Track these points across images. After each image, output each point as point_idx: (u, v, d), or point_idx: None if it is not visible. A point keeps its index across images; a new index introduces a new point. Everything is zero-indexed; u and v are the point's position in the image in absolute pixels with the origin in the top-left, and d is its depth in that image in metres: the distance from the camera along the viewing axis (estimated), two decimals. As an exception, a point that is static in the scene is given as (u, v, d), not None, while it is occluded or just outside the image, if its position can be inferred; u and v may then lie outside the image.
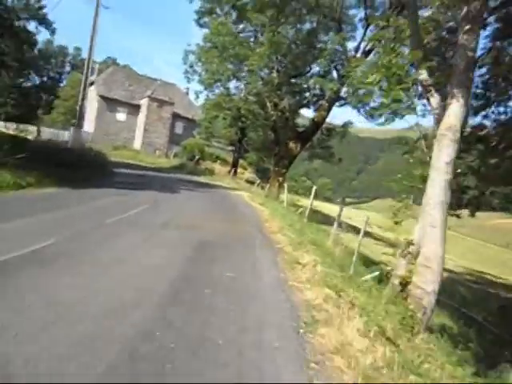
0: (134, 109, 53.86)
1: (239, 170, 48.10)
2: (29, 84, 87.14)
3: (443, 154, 7.83)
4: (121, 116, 53.64)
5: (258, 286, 6.51)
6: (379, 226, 26.52)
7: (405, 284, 7.97)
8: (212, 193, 23.29)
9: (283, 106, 30.75)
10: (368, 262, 13.60)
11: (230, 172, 39.57)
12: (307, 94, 32.68)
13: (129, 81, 55.54)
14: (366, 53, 31.14)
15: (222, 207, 16.87)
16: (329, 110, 32.36)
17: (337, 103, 32.51)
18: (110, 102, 52.78)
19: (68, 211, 10.41)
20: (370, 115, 35.15)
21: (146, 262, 6.84)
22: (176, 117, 54.88)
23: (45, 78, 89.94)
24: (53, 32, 21.25)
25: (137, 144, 53.48)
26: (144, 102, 53.20)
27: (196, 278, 6.42)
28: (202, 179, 34.94)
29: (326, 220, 22.25)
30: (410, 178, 9.64)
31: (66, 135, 32.19)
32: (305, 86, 32.06)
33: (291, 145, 31.69)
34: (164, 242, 8.53)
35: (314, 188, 16.83)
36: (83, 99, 28.37)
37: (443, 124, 7.92)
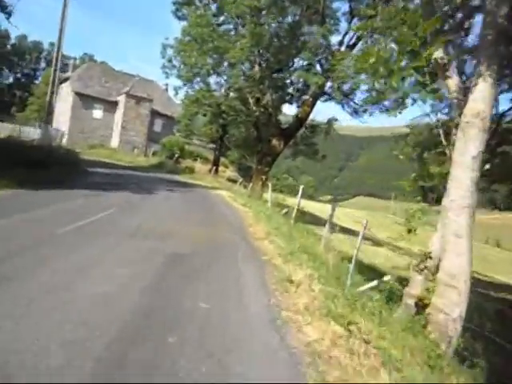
0: (111, 106, 51.54)
1: (221, 168, 46.38)
2: (0, 81, 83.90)
3: (470, 147, 6.30)
4: (97, 113, 51.28)
5: (242, 323, 4.86)
6: (368, 229, 25.05)
7: (422, 306, 6.45)
8: (191, 192, 21.56)
9: (266, 101, 29.15)
10: (364, 269, 12.11)
11: (210, 170, 37.80)
12: (290, 90, 31.13)
13: (105, 77, 53.17)
14: (351, 46, 29.76)
15: (202, 209, 15.17)
16: (313, 105, 30.89)
17: (321, 99, 31.07)
18: (85, 99, 50.38)
19: (14, 218, 8.60)
20: (355, 111, 33.95)
21: (94, 289, 5.15)
22: (155, 114, 52.74)
23: (19, 75, 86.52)
24: (9, 15, 19.03)
25: (114, 142, 51.21)
26: (121, 99, 50.93)
27: (159, 314, 4.74)
28: (181, 178, 33.11)
29: (314, 220, 20.82)
30: (427, 177, 8.04)
31: (33, 133, 30.03)
32: (288, 80, 30.50)
33: (274, 142, 30.11)
34: (126, 258, 6.82)
35: (301, 187, 15.27)
36: (52, 93, 26.25)
37: (468, 110, 6.38)
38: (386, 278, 8.81)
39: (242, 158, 41.18)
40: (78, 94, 50.08)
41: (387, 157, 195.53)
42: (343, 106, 33.66)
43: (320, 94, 30.42)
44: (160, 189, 20.54)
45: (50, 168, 18.50)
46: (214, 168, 36.63)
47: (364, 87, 34.35)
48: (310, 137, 34.27)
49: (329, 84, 31.15)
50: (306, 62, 28.46)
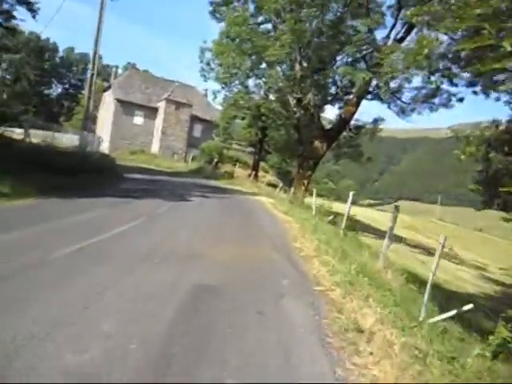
0: (152, 112, 51.00)
1: (260, 173, 44.65)
2: (50, 92, 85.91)
3: None
4: (138, 120, 50.86)
5: None
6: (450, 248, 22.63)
7: None
8: (228, 199, 19.81)
9: (307, 101, 27.04)
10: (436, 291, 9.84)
11: (250, 175, 36.06)
12: (333, 89, 28.92)
13: (146, 83, 52.77)
14: (398, 41, 27.20)
15: (238, 219, 13.30)
16: (357, 105, 28.51)
17: (366, 98, 28.68)
18: (126, 106, 50.06)
19: (16, 234, 7.03)
20: (402, 110, 31.35)
21: (70, 360, 3.31)
22: (194, 119, 51.76)
23: (67, 86, 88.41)
24: (34, 13, 18.01)
25: (155, 148, 50.59)
26: (161, 105, 50.27)
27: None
28: (219, 183, 31.54)
29: (363, 228, 18.55)
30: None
31: (70, 139, 29.40)
32: (330, 79, 28.29)
33: (317, 144, 27.95)
34: (130, 296, 4.91)
35: (351, 193, 13.13)
36: (89, 98, 25.43)
37: None
38: (467, 308, 6.61)
39: (282, 162, 39.20)
40: (120, 101, 49.81)
41: (430, 160, 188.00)
42: (389, 106, 31.13)
43: (365, 92, 28.07)
44: (195, 195, 18.94)
45: (83, 175, 17.28)
46: (254, 173, 34.87)
47: (412, 84, 31.76)
48: (354, 138, 31.91)
49: (374, 83, 28.87)
50: (350, 59, 26.23)
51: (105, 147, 52.06)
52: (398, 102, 31.44)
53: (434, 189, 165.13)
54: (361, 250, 10.57)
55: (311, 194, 30.06)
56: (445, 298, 9.77)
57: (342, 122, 28.63)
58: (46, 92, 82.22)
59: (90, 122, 25.04)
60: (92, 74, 24.99)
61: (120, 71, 54.81)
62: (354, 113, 28.62)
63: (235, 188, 29.28)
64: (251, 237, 9.78)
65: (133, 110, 50.39)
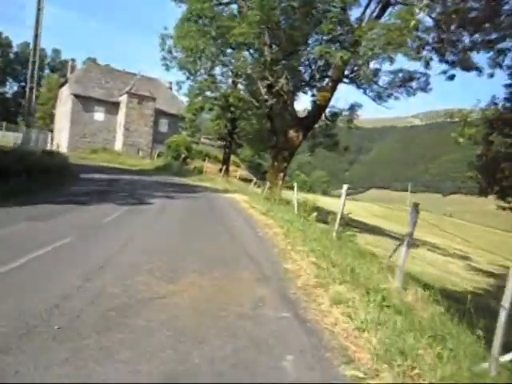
0: (113, 107, 47.29)
1: (232, 167, 41.81)
2: (5, 90, 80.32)
3: None
4: (98, 116, 47.06)
5: None
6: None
7: None
8: (197, 199, 16.95)
9: (279, 87, 24.37)
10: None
11: (220, 170, 33.19)
12: (307, 73, 26.37)
13: (105, 77, 48.94)
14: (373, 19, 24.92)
15: (208, 227, 10.28)
16: (333, 90, 26.10)
17: (344, 81, 26.31)
18: (85, 101, 46.17)
19: None
20: (378, 96, 29.22)
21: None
22: (159, 113, 48.37)
23: (23, 83, 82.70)
24: None
25: (118, 145, 46.96)
26: (123, 99, 46.65)
27: None
28: (188, 181, 28.59)
29: (355, 225, 16.21)
30: None
31: (12, 138, 25.72)
32: (304, 62, 25.73)
33: (292, 134, 25.40)
34: None
35: (345, 186, 10.59)
36: (32, 89, 22.11)
37: None
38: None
39: (255, 154, 36.46)
40: (78, 97, 45.89)
41: (398, 148, 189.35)
42: (365, 91, 28.94)
43: (341, 76, 25.69)
44: (158, 196, 16.03)
45: (18, 177, 14.14)
46: (225, 167, 31.99)
47: (389, 67, 29.40)
48: (330, 127, 29.54)
49: (349, 67, 26.56)
50: (323, 40, 23.65)
51: (63, 146, 48.11)
52: (375, 86, 29.31)
53: (403, 177, 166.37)
54: (366, 262, 8.05)
55: (287, 188, 27.63)
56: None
57: (318, 109, 26.18)
58: (0, 90, 76.52)
59: (32, 117, 21.62)
60: (33, 62, 21.60)
61: (74, 63, 50.53)
62: (329, 99, 26.20)
63: (205, 185, 26.40)
64: (226, 258, 6.89)
65: (92, 106, 46.54)
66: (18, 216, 9.27)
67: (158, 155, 41.61)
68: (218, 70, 33.03)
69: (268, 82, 25.21)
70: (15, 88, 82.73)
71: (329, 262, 6.80)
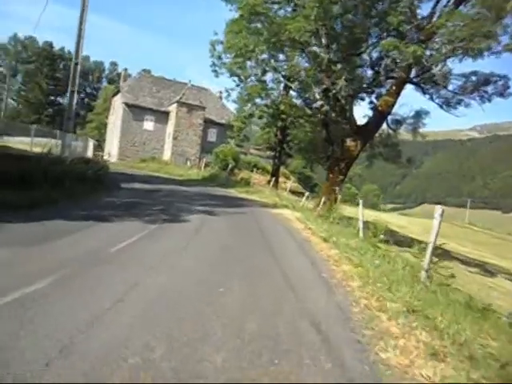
0: (163, 116, 46.16)
1: (281, 179, 39.12)
2: (65, 101, 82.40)
3: None
4: (148, 125, 46.04)
5: None
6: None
7: None
8: (241, 216, 14.26)
9: (337, 91, 21.48)
10: None
11: (269, 182, 30.53)
12: (369, 74, 23.28)
13: (156, 86, 48.03)
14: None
15: (253, 263, 7.25)
16: (397, 94, 22.85)
17: (412, 81, 23.03)
18: (136, 110, 45.32)
19: None
20: (447, 102, 25.64)
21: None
22: (208, 123, 46.70)
23: (83, 95, 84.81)
24: None
25: (166, 155, 45.65)
26: (172, 108, 45.38)
27: None
28: (234, 192, 26.15)
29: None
30: None
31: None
32: (365, 62, 22.70)
33: (349, 143, 22.37)
34: None
35: (440, 210, 7.57)
36: (73, 92, 20.66)
37: None
38: None
39: (306, 166, 33.47)
40: (128, 105, 45.12)
41: (453, 162, 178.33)
42: (431, 97, 25.47)
43: (407, 78, 22.44)
44: (197, 211, 13.58)
45: (42, 185, 12.28)
46: (274, 179, 29.30)
47: (461, 69, 25.60)
48: (391, 136, 26.17)
49: (415, 68, 23.32)
50: (391, 34, 20.54)
51: (113, 155, 47.54)
52: (443, 91, 25.74)
53: (458, 192, 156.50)
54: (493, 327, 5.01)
55: (343, 202, 24.48)
56: None
57: (379, 116, 22.98)
58: (61, 101, 78.53)
59: (71, 122, 20.04)
60: (75, 64, 20.08)
61: (127, 72, 50.08)
62: (392, 105, 22.95)
63: (252, 198, 23.78)
64: (279, 332, 4.20)
65: (142, 115, 45.64)
66: (6, 236, 7.03)
67: (206, 165, 39.67)
68: (268, 77, 30.74)
69: (324, 86, 22.42)
70: (75, 100, 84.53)
71: (448, 339, 3.84)
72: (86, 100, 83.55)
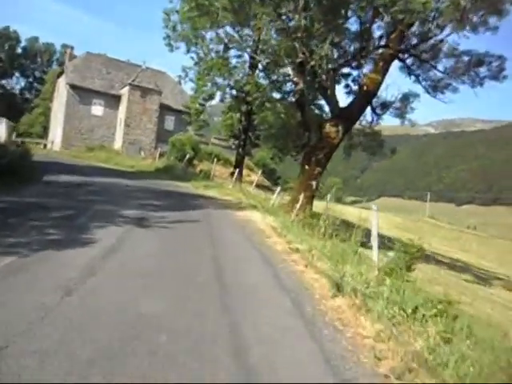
0: (114, 100, 40.25)
1: (244, 171, 34.35)
2: (12, 84, 74.17)
3: None
4: (97, 109, 39.99)
5: None
6: None
7: None
8: (190, 227, 9.13)
9: (316, 63, 16.95)
10: None
11: (232, 175, 25.75)
12: (351, 48, 18.93)
13: (107, 68, 41.91)
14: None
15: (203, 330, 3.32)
16: (384, 71, 18.70)
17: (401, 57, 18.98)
18: (82, 93, 39.16)
19: None
20: (434, 86, 22.05)
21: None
22: (165, 109, 41.21)
23: (31, 79, 76.52)
24: None
25: (118, 143, 39.85)
26: (124, 92, 39.56)
27: None
28: (190, 187, 21.23)
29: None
30: None
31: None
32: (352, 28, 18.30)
33: (329, 128, 17.98)
34: None
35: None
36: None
37: None
38: None
39: (274, 157, 28.79)
40: (74, 87, 38.92)
41: (410, 157, 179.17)
42: (418, 78, 21.80)
43: (397, 51, 18.34)
44: (123, 218, 8.71)
45: None
46: (237, 171, 24.40)
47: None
48: (373, 123, 22.06)
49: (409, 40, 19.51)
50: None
51: (57, 143, 41.22)
52: (431, 73, 22.04)
53: (414, 185, 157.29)
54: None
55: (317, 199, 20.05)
56: None
57: (364, 97, 18.74)
58: (5, 84, 70.17)
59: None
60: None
61: (72, 51, 43.56)
62: (379, 83, 18.77)
63: (211, 194, 18.86)
64: None
65: (90, 98, 39.53)
66: None
67: (161, 155, 34.35)
68: (231, 54, 26.02)
69: (299, 60, 17.88)
70: (22, 83, 76.37)
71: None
72: (35, 85, 75.28)
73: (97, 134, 39.92)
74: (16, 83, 75.43)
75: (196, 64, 26.50)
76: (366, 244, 8.61)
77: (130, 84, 38.56)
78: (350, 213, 19.83)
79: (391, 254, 7.77)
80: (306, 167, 18.14)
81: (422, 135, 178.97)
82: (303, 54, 17.64)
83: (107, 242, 6.31)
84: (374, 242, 7.43)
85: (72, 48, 43.37)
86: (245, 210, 13.73)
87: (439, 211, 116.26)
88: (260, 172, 23.02)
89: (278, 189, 18.23)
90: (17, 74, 75.08)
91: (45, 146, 43.78)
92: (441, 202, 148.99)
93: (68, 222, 7.81)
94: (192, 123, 25.34)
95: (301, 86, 18.29)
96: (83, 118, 39.31)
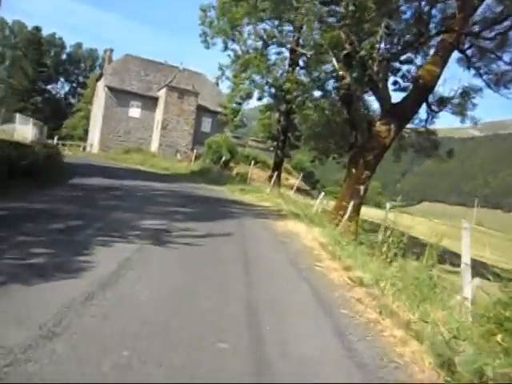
0: (151, 102, 39.48)
1: (282, 175, 32.32)
2: (56, 89, 75.75)
3: None
4: (134, 111, 39.36)
5: None
6: None
7: None
8: (221, 243, 7.28)
9: (365, 53, 14.87)
10: None
11: (270, 178, 23.86)
12: (407, 36, 16.62)
13: (145, 70, 41.26)
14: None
15: None
16: (444, 63, 16.24)
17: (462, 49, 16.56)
18: (120, 95, 38.65)
19: None
20: (496, 80, 19.56)
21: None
22: (202, 111, 40.04)
23: (75, 84, 78.05)
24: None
25: (154, 146, 39.02)
26: (162, 94, 38.69)
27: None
28: (224, 191, 19.58)
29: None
30: None
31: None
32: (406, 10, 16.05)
33: (380, 127, 15.77)
34: None
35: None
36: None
37: None
38: None
39: (315, 159, 26.69)
40: (112, 90, 38.46)
41: (454, 160, 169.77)
42: (478, 71, 19.31)
43: (462, 38, 15.93)
44: (141, 230, 7.09)
45: None
46: (276, 174, 22.37)
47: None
48: (430, 121, 19.57)
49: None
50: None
51: (95, 146, 40.94)
52: (494, 65, 19.46)
53: (459, 190, 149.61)
54: None
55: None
56: None
57: (420, 91, 16.35)
58: (50, 89, 71.70)
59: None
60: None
61: (111, 54, 43.25)
62: (438, 76, 16.32)
63: (248, 200, 17.04)
64: None
65: (128, 100, 38.96)
66: None
67: (197, 157, 33.04)
68: (271, 51, 24.38)
69: (346, 51, 15.86)
70: (67, 88, 78.01)
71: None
72: (78, 89, 76.67)
73: (134, 136, 39.26)
74: (61, 88, 77.07)
75: (233, 62, 24.92)
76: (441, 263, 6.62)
77: (167, 85, 37.62)
78: (403, 222, 17.42)
79: (482, 282, 5.69)
80: (353, 170, 16.00)
81: (467, 138, 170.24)
82: (350, 44, 15.67)
83: (104, 270, 4.60)
84: (467, 272, 5.37)
85: (111, 51, 43.09)
86: (286, 218, 11.80)
87: (486, 218, 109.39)
88: (301, 175, 20.92)
89: (322, 194, 16.16)
90: (62, 80, 76.70)
91: (84, 148, 43.71)
92: (487, 207, 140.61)
93: (68, 236, 6.22)
94: (228, 123, 23.63)
95: (347, 80, 16.22)
96: (121, 120, 38.76)
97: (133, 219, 8.22)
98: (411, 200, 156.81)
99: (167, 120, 37.94)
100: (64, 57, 76.53)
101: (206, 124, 40.50)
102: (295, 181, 37.02)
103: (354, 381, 2.94)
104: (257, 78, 23.43)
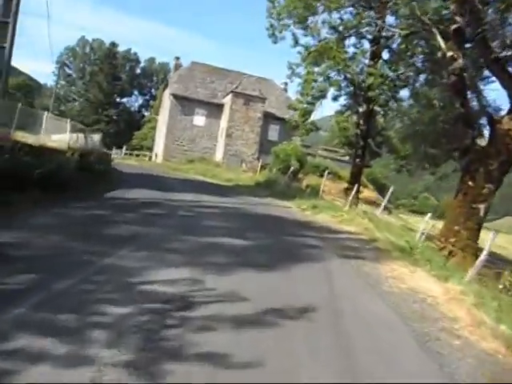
0: (216, 109, 36.99)
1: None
2: (131, 102, 77.25)
3: None
4: (199, 119, 37.13)
5: None
6: None
7: None
8: (295, 334, 3.68)
9: (479, 30, 10.45)
10: None
11: (347, 191, 19.61)
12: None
13: (210, 76, 39.04)
14: None
15: None
16: None
17: None
18: (185, 103, 36.64)
19: None
20: None
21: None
22: (269, 118, 36.77)
23: (147, 97, 79.19)
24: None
25: (219, 155, 36.42)
26: (227, 100, 36.08)
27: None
28: (292, 209, 15.80)
29: None
30: None
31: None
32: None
33: (508, 124, 11.20)
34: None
35: None
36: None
37: None
38: None
39: (401, 169, 21.95)
40: (177, 98, 36.59)
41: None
42: None
43: None
44: (142, 308, 3.63)
45: None
46: (355, 187, 18.10)
47: None
48: None
49: None
50: None
51: (159, 156, 39.32)
52: None
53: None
54: None
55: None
56: None
57: None
58: (125, 102, 73.17)
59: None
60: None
61: (178, 62, 41.65)
62: None
63: (322, 221, 13.07)
64: None
65: (193, 108, 36.83)
66: None
67: (263, 167, 29.71)
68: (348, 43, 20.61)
69: (456, 25, 11.61)
70: (140, 101, 79.43)
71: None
72: (151, 102, 77.59)
73: (198, 146, 37.00)
74: (135, 101, 78.56)
75: (304, 60, 21.28)
76: None
77: (232, 91, 34.94)
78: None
79: None
80: (470, 183, 11.51)
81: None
82: (461, 15, 11.41)
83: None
84: None
85: (178, 58, 41.48)
86: (389, 256, 7.76)
87: None
88: (391, 190, 16.49)
89: (428, 215, 11.78)
90: (135, 93, 78.12)
91: (150, 158, 42.49)
92: None
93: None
94: (299, 127, 19.90)
95: (460, 62, 11.86)
96: (185, 128, 36.72)
97: (138, 269, 4.80)
98: (494, 214, 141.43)
99: (232, 128, 35.18)
100: (138, 71, 78.02)
101: (273, 132, 37.16)
102: (370, 193, 32.22)
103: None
104: (332, 73, 19.59)
